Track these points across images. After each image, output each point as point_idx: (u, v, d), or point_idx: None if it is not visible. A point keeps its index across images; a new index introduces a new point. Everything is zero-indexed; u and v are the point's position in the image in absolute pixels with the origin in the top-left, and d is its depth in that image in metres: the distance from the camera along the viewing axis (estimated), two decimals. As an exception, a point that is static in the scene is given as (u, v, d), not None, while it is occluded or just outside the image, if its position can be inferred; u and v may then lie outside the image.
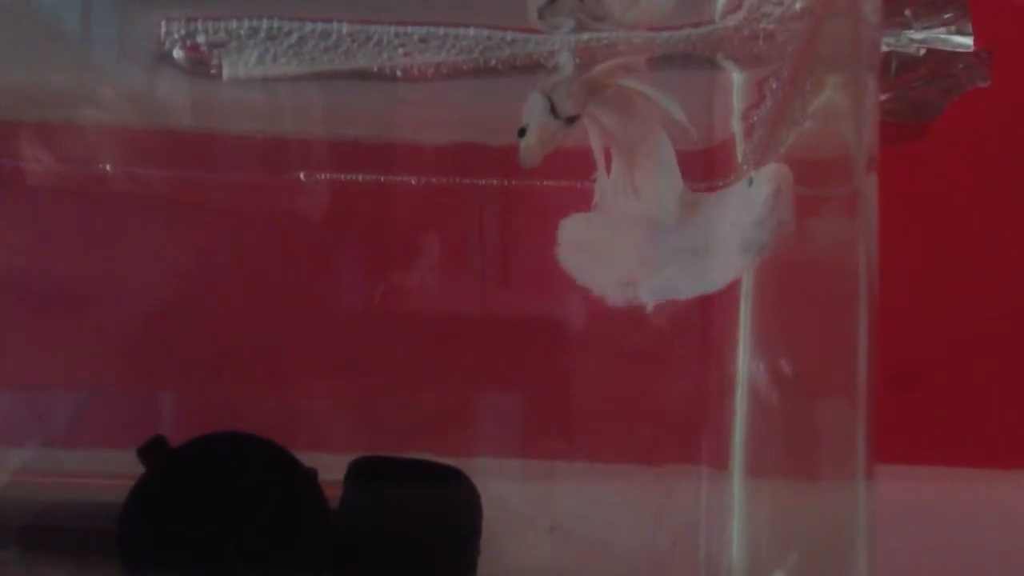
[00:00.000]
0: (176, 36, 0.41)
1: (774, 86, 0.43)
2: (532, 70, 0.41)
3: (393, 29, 0.40)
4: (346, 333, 0.49)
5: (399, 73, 0.42)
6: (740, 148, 0.46)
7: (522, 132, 0.40)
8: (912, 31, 0.45)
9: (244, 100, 0.45)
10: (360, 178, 0.48)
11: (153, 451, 0.44)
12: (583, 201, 0.48)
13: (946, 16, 0.45)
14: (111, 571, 0.43)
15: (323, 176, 0.48)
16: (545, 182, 0.48)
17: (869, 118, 0.41)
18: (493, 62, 0.41)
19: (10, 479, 0.48)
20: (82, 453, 0.49)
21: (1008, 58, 0.47)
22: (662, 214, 0.40)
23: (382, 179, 0.49)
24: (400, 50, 0.41)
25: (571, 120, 0.40)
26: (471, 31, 0.41)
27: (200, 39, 0.41)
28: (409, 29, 0.41)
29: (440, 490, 0.46)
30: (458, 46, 0.41)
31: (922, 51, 0.45)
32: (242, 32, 0.40)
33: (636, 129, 0.40)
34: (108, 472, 0.46)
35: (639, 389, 0.49)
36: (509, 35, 0.41)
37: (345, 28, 0.40)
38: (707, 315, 0.48)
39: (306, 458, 0.45)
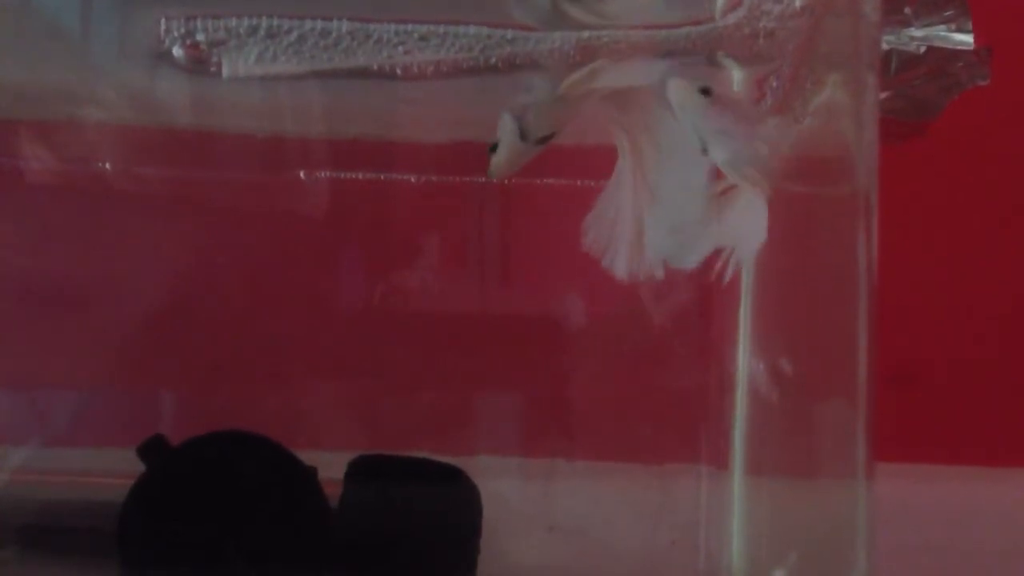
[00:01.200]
0: (176, 34, 0.41)
1: (774, 84, 0.43)
2: (533, 68, 0.41)
3: (393, 27, 0.40)
4: (346, 332, 0.49)
5: (399, 71, 0.42)
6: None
7: (494, 147, 0.40)
8: (912, 29, 0.45)
9: (244, 98, 0.45)
10: (360, 176, 0.48)
11: (153, 450, 0.44)
12: (583, 199, 0.48)
13: (946, 14, 0.45)
14: (111, 570, 0.43)
15: (323, 175, 0.48)
16: (545, 180, 0.48)
17: (869, 116, 0.41)
18: (493, 60, 0.41)
19: (10, 478, 0.48)
20: (82, 452, 0.49)
21: (1008, 56, 0.47)
22: (685, 206, 0.40)
23: (382, 177, 0.49)
24: (400, 48, 0.41)
25: (542, 140, 0.40)
26: (471, 29, 0.41)
27: (200, 37, 0.41)
28: (409, 27, 0.41)
29: (440, 489, 0.46)
30: (458, 44, 0.41)
31: (922, 49, 0.45)
32: (242, 30, 0.40)
33: (636, 120, 0.40)
34: (108, 471, 0.46)
35: (639, 388, 0.49)
36: (510, 33, 0.41)
37: (345, 26, 0.40)
38: (707, 314, 0.48)
39: (306, 456, 0.45)
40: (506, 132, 0.40)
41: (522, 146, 0.40)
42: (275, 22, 0.40)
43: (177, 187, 0.49)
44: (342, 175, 0.49)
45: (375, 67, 0.42)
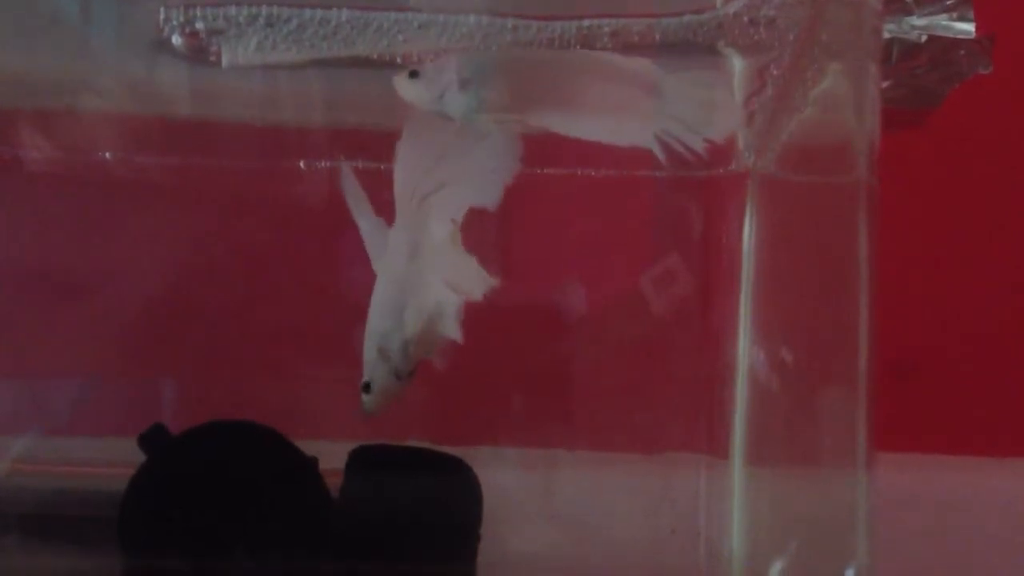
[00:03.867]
0: (175, 23, 0.41)
1: (775, 73, 0.43)
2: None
3: (393, 16, 0.40)
4: (347, 321, 0.49)
5: (399, 60, 0.42)
6: (742, 136, 0.46)
7: (366, 387, 0.42)
8: (914, 17, 0.45)
9: (243, 87, 0.45)
10: (360, 166, 0.48)
11: (153, 439, 0.44)
12: (584, 189, 0.48)
13: (948, 2, 0.44)
14: (112, 559, 0.43)
15: (323, 164, 0.48)
16: (545, 170, 0.48)
17: (871, 105, 0.41)
18: (494, 50, 0.41)
19: (11, 467, 0.48)
20: (83, 441, 0.49)
21: (1010, 44, 0.47)
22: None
23: (382, 167, 0.48)
24: (400, 37, 0.41)
25: (412, 373, 0.42)
26: (471, 18, 0.40)
27: (199, 26, 0.41)
28: (408, 16, 0.40)
29: (441, 479, 0.46)
30: (458, 33, 0.41)
31: (924, 38, 0.45)
32: (241, 19, 0.40)
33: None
34: (109, 460, 0.46)
35: (639, 377, 0.49)
36: (510, 22, 0.41)
37: (344, 15, 0.40)
38: (708, 303, 0.48)
39: (307, 446, 0.45)
40: (380, 375, 0.41)
41: (396, 384, 0.42)
42: (274, 11, 0.40)
43: (177, 176, 0.49)
44: (342, 164, 0.48)
45: (375, 56, 0.42)
